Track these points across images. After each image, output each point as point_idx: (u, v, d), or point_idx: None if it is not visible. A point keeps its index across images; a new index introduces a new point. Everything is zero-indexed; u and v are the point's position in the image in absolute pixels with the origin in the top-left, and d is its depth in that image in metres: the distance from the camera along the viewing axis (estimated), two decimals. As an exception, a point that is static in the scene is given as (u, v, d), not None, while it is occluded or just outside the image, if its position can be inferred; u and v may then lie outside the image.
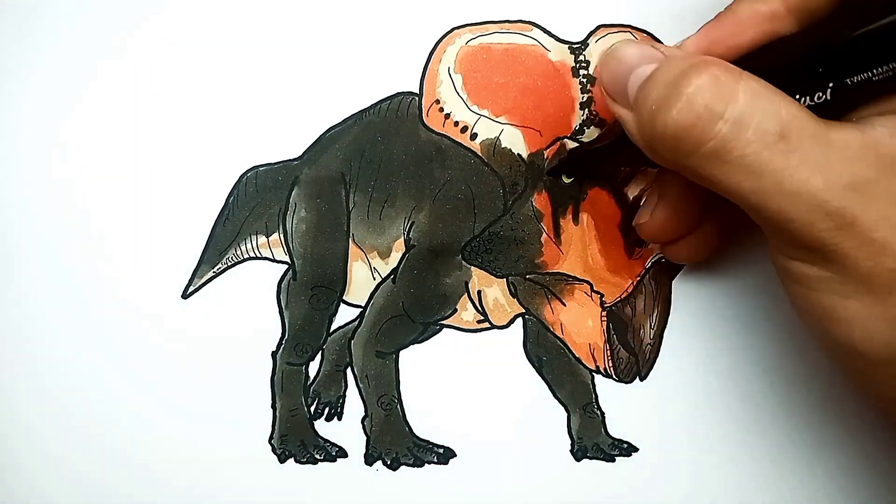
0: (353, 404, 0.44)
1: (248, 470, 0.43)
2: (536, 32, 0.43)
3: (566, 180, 0.42)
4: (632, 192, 0.43)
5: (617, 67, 0.33)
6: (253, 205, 0.44)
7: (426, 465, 0.43)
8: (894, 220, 0.29)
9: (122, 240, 0.44)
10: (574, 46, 0.43)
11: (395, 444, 0.43)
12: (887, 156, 0.29)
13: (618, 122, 0.35)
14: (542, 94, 0.43)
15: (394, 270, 0.44)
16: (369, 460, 0.43)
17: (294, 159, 0.44)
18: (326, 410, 0.45)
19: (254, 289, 0.44)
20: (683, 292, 0.43)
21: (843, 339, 0.31)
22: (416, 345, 0.44)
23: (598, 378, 0.44)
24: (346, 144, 0.44)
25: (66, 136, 0.44)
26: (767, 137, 0.28)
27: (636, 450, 0.43)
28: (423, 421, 0.43)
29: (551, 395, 0.44)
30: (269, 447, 0.43)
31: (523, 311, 0.44)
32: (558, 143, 0.43)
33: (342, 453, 0.44)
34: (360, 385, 0.44)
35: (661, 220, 0.39)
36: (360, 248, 0.44)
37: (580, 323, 0.43)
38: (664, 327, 0.43)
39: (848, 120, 0.31)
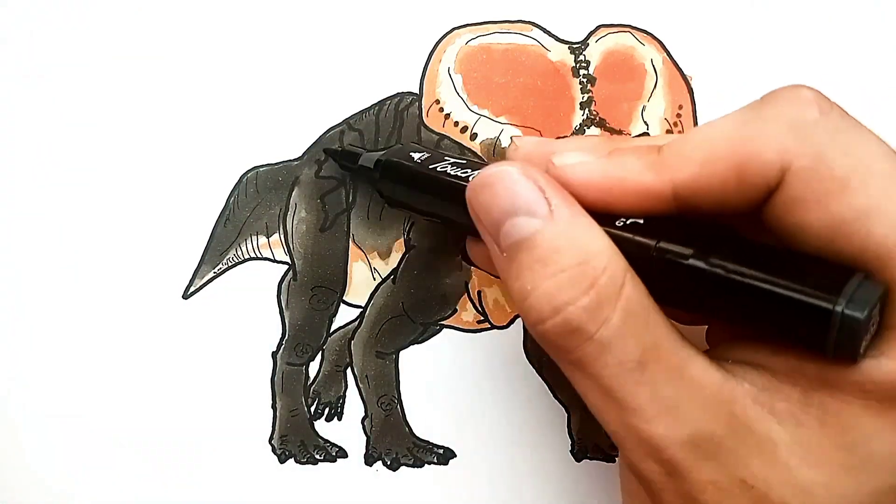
0: (353, 404, 0.44)
1: (248, 470, 0.43)
2: (536, 32, 0.43)
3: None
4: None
5: (491, 203, 0.29)
6: (253, 205, 0.44)
7: (426, 465, 0.43)
8: (722, 486, 0.26)
9: (122, 240, 0.44)
10: (574, 46, 0.43)
11: (395, 444, 0.43)
12: (741, 418, 0.26)
13: None
14: (542, 94, 0.43)
15: (394, 270, 0.44)
16: (369, 460, 0.43)
17: (294, 159, 0.44)
18: (326, 410, 0.45)
19: (254, 289, 0.44)
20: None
21: None
22: (416, 345, 0.44)
23: (599, 378, 0.43)
24: (347, 144, 0.44)
25: (66, 136, 0.44)
26: (627, 364, 0.27)
27: (636, 450, 0.43)
28: (423, 421, 0.43)
29: (551, 395, 0.43)
30: (269, 447, 0.43)
31: (523, 311, 0.44)
32: (558, 143, 0.43)
33: (342, 453, 0.44)
34: (360, 385, 0.44)
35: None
36: (360, 248, 0.44)
37: (580, 323, 0.43)
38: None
39: (724, 354, 0.29)
